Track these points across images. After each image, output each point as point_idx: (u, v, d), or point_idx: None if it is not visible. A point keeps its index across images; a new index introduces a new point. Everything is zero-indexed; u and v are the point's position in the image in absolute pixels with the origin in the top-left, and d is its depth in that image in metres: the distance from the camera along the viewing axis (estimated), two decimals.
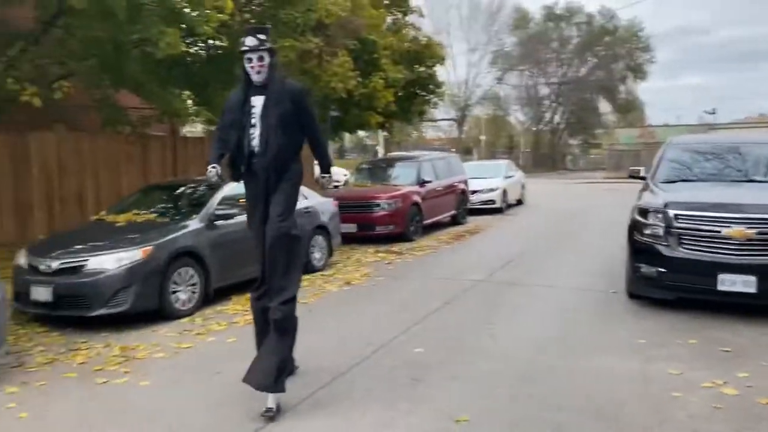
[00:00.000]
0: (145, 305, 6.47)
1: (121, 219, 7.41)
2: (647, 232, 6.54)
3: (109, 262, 6.36)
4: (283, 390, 4.14)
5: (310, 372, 4.89)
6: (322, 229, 9.41)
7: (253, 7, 11.08)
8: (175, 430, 3.99)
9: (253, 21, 11.09)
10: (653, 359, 5.01)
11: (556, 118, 54.78)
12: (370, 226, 11.77)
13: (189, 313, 6.85)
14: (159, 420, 4.14)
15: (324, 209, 9.67)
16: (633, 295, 6.92)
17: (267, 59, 4.27)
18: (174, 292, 6.76)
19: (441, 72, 19.85)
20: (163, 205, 7.91)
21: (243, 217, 7.79)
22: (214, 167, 4.37)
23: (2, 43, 9.10)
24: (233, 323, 6.52)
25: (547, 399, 4.27)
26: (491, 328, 6.09)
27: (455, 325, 6.22)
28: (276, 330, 4.23)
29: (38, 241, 7.89)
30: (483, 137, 53.93)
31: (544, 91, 53.61)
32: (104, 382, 4.90)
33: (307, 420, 4.07)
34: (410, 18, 19.79)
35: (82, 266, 6.33)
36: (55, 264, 6.38)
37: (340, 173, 21.19)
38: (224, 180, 4.62)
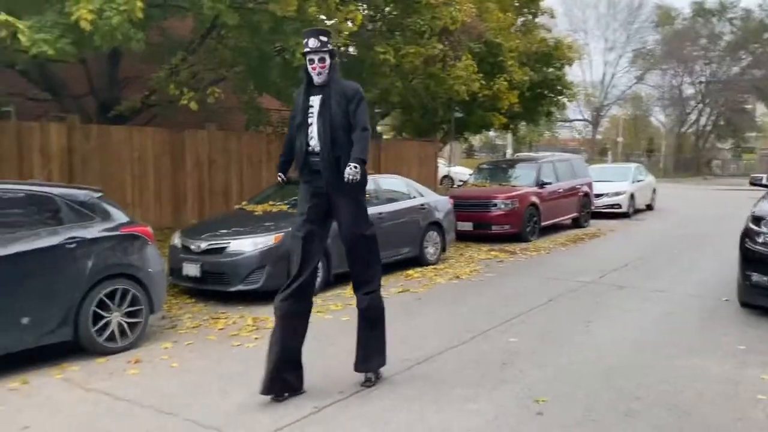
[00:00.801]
0: (275, 284, 7.31)
1: (259, 209, 8.42)
2: (760, 240, 6.45)
3: (246, 245, 7.33)
4: (385, 363, 4.73)
5: (410, 350, 5.46)
6: (436, 225, 9.95)
7: (382, 17, 11.83)
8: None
9: (383, 29, 11.87)
10: (748, 364, 5.06)
11: (702, 120, 51.30)
12: (486, 224, 12.13)
13: (313, 294, 7.66)
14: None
15: (439, 206, 10.20)
16: (744, 304, 6.81)
17: (328, 60, 4.37)
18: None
19: (576, 71, 19.65)
20: (295, 197, 8.83)
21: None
22: (279, 176, 4.73)
23: (166, 53, 10.54)
24: (348, 305, 7.24)
25: (629, 391, 4.53)
26: (589, 324, 6.33)
27: (553, 321, 6.52)
28: (364, 318, 4.62)
29: (190, 225, 9.13)
30: (620, 139, 51.77)
31: (689, 91, 50.42)
32: (238, 345, 5.79)
33: (402, 388, 4.64)
34: (541, 19, 19.79)
35: (225, 248, 7.35)
36: (203, 245, 7.45)
37: (465, 173, 21.60)
38: (289, 182, 4.81)
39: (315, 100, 4.40)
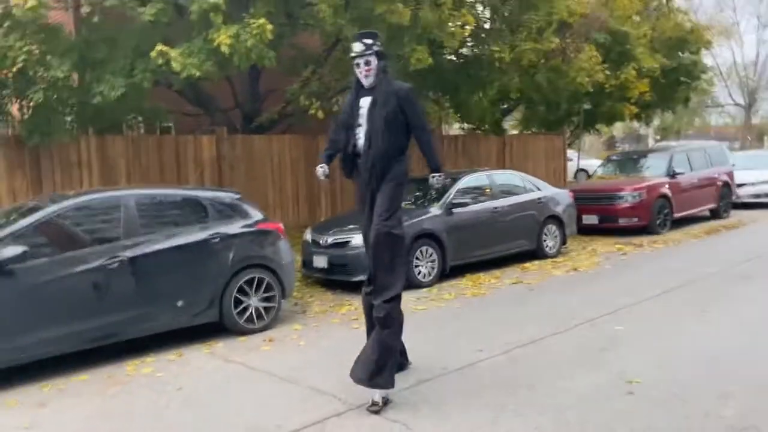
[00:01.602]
0: None
1: None
2: None
3: None
4: (386, 386, 4.23)
5: (513, 335, 5.78)
6: (554, 218, 10.05)
7: (499, 16, 12.05)
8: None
9: (503, 27, 12.09)
10: None
11: None
12: (612, 218, 11.94)
13: (428, 284, 8.18)
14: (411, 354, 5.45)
15: (558, 200, 10.28)
16: None
17: (374, 63, 4.36)
18: (416, 266, 8.15)
19: (726, 54, 18.39)
20: (411, 194, 9.38)
21: (477, 206, 9.05)
22: (322, 167, 4.63)
23: (300, 66, 11.52)
24: (461, 294, 7.68)
25: (726, 375, 4.56)
26: (704, 314, 6.26)
27: (666, 310, 6.50)
28: (380, 327, 4.32)
29: (320, 222, 9.99)
30: None
31: None
32: (356, 328, 6.42)
33: (503, 370, 5.00)
34: (678, 1, 18.84)
35: (348, 242, 8.06)
36: (329, 239, 8.21)
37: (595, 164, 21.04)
38: (328, 177, 4.72)
39: (365, 102, 4.41)
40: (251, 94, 12.64)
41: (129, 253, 5.67)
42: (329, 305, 7.48)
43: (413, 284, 8.06)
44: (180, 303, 5.96)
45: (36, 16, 7.59)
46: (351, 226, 8.42)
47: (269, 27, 7.72)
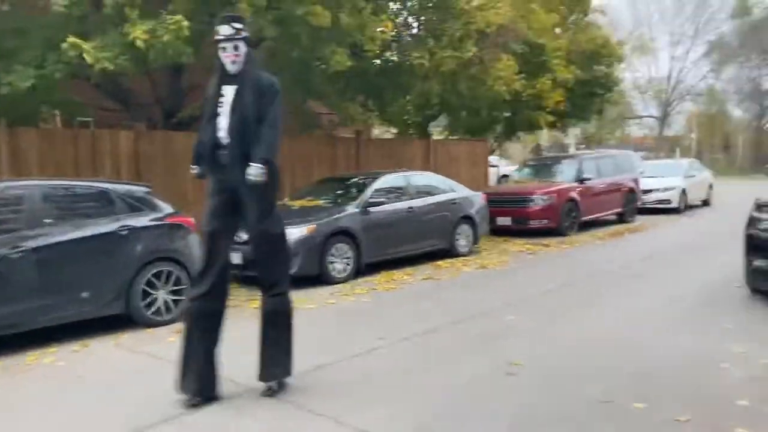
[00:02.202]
0: (308, 271, 8.14)
1: (297, 204, 9.25)
2: (761, 227, 6.68)
3: None
4: (283, 376, 4.39)
5: (416, 325, 6.08)
6: (467, 219, 10.49)
7: (420, 23, 12.45)
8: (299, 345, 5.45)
9: (422, 34, 12.48)
10: (728, 341, 5.37)
11: None
12: (524, 220, 12.52)
13: (343, 280, 8.41)
14: (299, 341, 5.64)
15: (471, 201, 10.73)
16: (755, 290, 7.02)
17: (242, 48, 4.15)
18: (331, 262, 8.36)
19: (642, 68, 19.39)
20: (330, 193, 9.60)
21: (393, 205, 9.35)
22: (193, 168, 4.35)
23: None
24: (373, 289, 7.94)
25: (600, 359, 4.99)
26: (593, 306, 6.75)
27: (561, 302, 6.97)
28: (268, 322, 4.33)
29: None
30: (693, 135, 50.09)
31: None
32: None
33: (398, 356, 5.28)
34: (592, 17, 19.85)
35: None
36: (244, 236, 8.29)
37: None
38: (204, 177, 4.35)
39: (228, 90, 4.16)
40: (172, 90, 12.51)
41: (32, 243, 5.64)
42: (241, 300, 7.58)
43: (328, 280, 8.27)
44: (85, 294, 5.95)
45: None
46: None
47: (186, 24, 7.76)
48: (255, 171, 4.02)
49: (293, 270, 8.00)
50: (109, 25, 7.98)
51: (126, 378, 4.93)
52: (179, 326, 6.30)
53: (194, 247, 6.87)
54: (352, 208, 8.86)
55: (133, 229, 6.34)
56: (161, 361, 5.26)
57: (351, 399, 4.29)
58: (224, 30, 4.15)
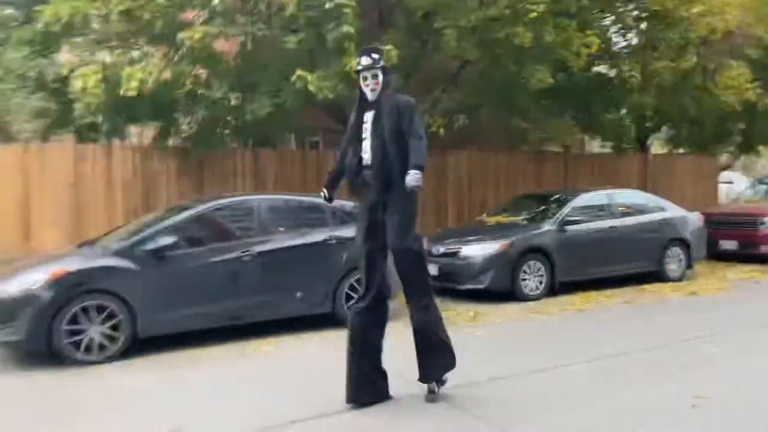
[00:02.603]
0: (499, 286, 8.35)
1: (493, 220, 9.49)
2: None
3: (476, 250, 8.47)
4: (440, 375, 4.70)
5: (600, 349, 5.98)
6: (680, 241, 9.79)
7: (633, 34, 11.93)
8: (478, 356, 5.70)
9: (635, 46, 11.96)
10: None
11: None
12: (752, 244, 11.28)
13: (536, 298, 8.45)
14: (479, 352, 5.91)
15: (685, 222, 10.00)
16: None
17: (381, 77, 4.47)
18: (524, 279, 8.46)
19: None
20: (527, 210, 9.67)
21: (593, 224, 9.13)
22: (323, 191, 4.80)
23: (429, 86, 12.25)
24: (565, 309, 7.87)
25: None
26: None
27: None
28: (417, 332, 4.64)
29: (436, 232, 10.57)
30: None
31: None
32: (453, 330, 6.87)
33: (580, 379, 5.27)
34: None
35: (458, 252, 8.58)
36: (441, 249, 8.79)
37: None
38: (332, 201, 4.87)
39: (368, 116, 4.51)
40: None
41: (258, 248, 6.67)
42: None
43: (520, 297, 8.39)
44: (299, 294, 6.86)
45: (203, 45, 8.97)
46: (462, 238, 8.95)
47: (395, 53, 8.49)
48: (411, 177, 4.17)
49: (484, 285, 8.29)
50: (330, 58, 9.03)
51: (328, 368, 5.62)
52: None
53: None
54: (547, 226, 8.87)
55: (340, 239, 7.14)
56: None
57: (518, 412, 4.45)
58: (364, 61, 4.49)
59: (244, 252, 6.58)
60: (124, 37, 10.29)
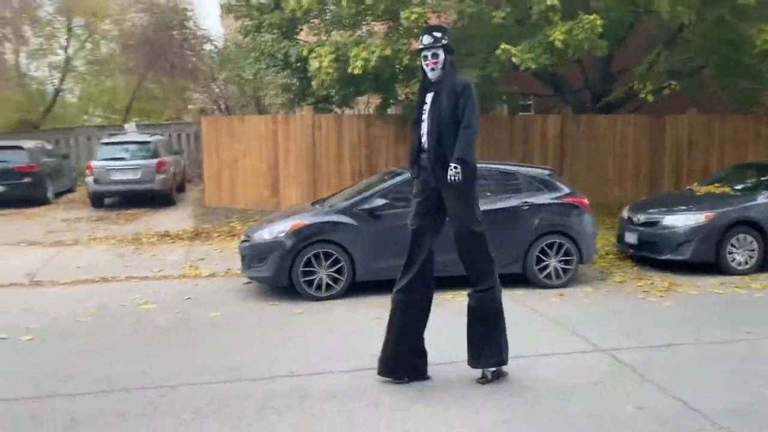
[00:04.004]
0: (701, 258, 8.18)
1: (703, 190, 9.15)
2: None
3: (678, 221, 8.36)
4: (489, 365, 4.56)
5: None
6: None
7: None
8: (660, 323, 5.91)
9: None
10: None
11: None
12: None
13: (743, 273, 8.11)
14: (662, 320, 6.13)
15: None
16: None
17: (441, 56, 4.38)
18: (731, 253, 8.17)
19: None
20: (743, 181, 9.14)
21: None
22: (411, 170, 4.70)
23: (646, 49, 11.86)
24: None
25: None
26: None
27: None
28: (473, 317, 4.55)
29: (639, 200, 10.43)
30: None
31: None
32: (641, 298, 7.13)
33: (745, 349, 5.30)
34: None
35: (659, 221, 8.54)
36: (642, 217, 8.79)
37: None
38: (417, 176, 4.65)
39: (429, 97, 4.46)
40: (602, 75, 13.36)
41: None
42: (629, 277, 8.19)
43: (725, 270, 8.14)
44: (492, 254, 7.54)
45: (419, 24, 9.87)
46: (665, 207, 8.87)
47: (599, 22, 8.58)
48: (452, 171, 4.23)
49: (685, 257, 8.19)
50: (534, 30, 9.37)
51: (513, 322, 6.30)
52: (564, 290, 7.47)
53: (586, 224, 7.84)
54: (763, 198, 8.37)
55: (533, 206, 7.66)
56: (537, 315, 6.50)
57: (681, 374, 4.72)
58: (426, 39, 4.45)
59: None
60: (353, 19, 11.60)
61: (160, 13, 16.50)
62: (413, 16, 9.51)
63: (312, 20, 12.42)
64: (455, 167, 4.22)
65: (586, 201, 7.97)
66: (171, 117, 23.54)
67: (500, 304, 4.59)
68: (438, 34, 4.42)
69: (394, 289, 4.63)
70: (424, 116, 4.47)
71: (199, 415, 4.11)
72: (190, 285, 8.03)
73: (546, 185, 7.92)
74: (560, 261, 7.68)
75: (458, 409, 4.17)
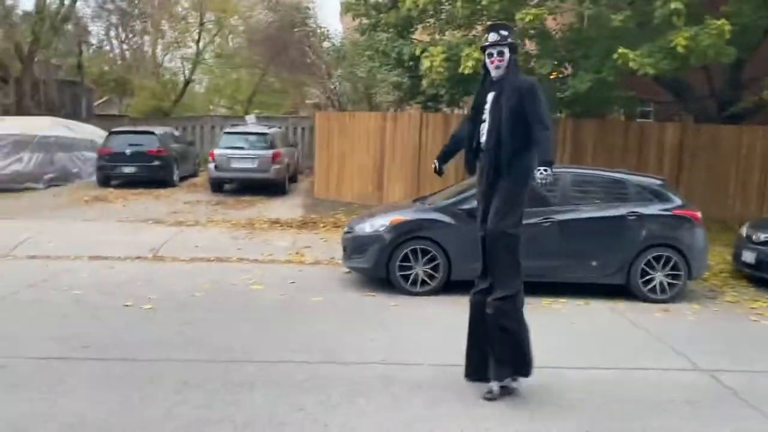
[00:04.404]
0: None
1: None
2: None
3: None
4: (498, 378, 4.35)
5: None
6: None
7: None
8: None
9: None
10: None
11: None
12: None
13: None
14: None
15: None
16: None
17: (507, 54, 4.28)
18: None
19: None
20: None
21: None
22: (435, 163, 4.73)
23: None
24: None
25: None
26: None
27: None
28: (490, 325, 4.33)
29: (760, 218, 9.75)
30: None
31: None
32: (754, 320, 6.73)
33: None
34: None
35: None
36: (763, 236, 8.25)
37: None
38: (441, 174, 4.75)
39: (490, 96, 4.36)
40: (730, 83, 12.59)
41: (558, 217, 7.40)
42: (743, 298, 7.73)
43: None
44: (594, 263, 7.40)
45: (532, 25, 9.78)
46: None
47: (727, 27, 8.13)
48: (539, 175, 4.10)
49: None
50: (656, 34, 9.02)
51: (616, 335, 6.17)
52: (669, 306, 7.19)
53: (698, 238, 7.49)
54: None
55: (640, 216, 7.41)
56: (637, 329, 6.31)
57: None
58: (492, 37, 4.35)
59: (546, 219, 7.37)
60: (467, 20, 11.65)
61: (283, 10, 17.31)
62: (528, 17, 9.44)
63: (427, 20, 12.60)
64: (545, 170, 4.09)
65: (699, 214, 7.60)
66: (289, 110, 24.63)
67: (521, 314, 4.40)
68: (505, 33, 4.34)
69: (472, 291, 4.59)
70: (485, 116, 4.37)
71: (294, 391, 4.39)
72: (295, 270, 8.46)
73: (656, 195, 7.63)
74: (667, 275, 7.38)
75: (542, 414, 4.19)
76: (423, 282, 7.34)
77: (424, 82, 11.19)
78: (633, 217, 7.43)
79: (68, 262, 8.45)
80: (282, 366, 4.89)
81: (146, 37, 26.53)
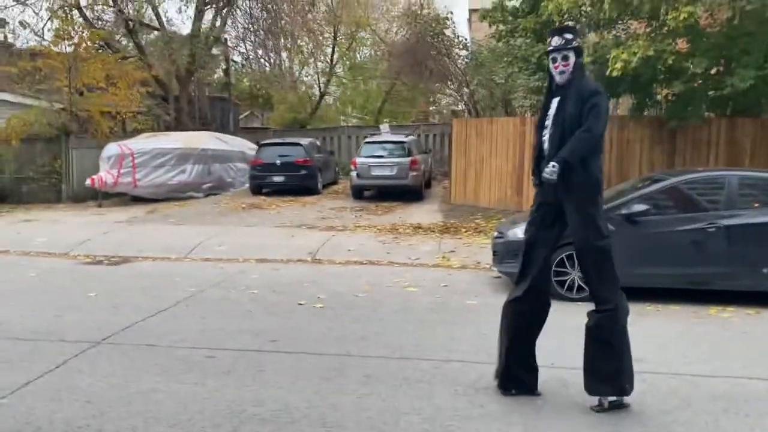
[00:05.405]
0: None
1: None
2: None
3: None
4: (601, 393, 4.17)
5: None
6: None
7: None
8: None
9: None
10: None
11: None
12: None
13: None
14: None
15: None
16: None
17: (572, 59, 4.13)
18: None
19: None
20: None
21: None
22: (533, 178, 4.48)
23: None
24: None
25: None
26: None
27: None
28: (590, 338, 4.19)
29: None
30: None
31: None
32: None
33: None
34: None
35: None
36: None
37: None
38: (541, 186, 4.42)
39: (554, 102, 4.26)
40: None
41: (725, 222, 7.09)
42: None
43: None
44: (766, 270, 7.02)
45: (685, 24, 9.39)
46: None
47: None
48: (548, 170, 4.06)
49: None
50: None
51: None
52: None
53: None
54: None
55: None
56: None
57: None
58: (555, 41, 4.21)
59: (710, 224, 7.09)
60: (613, 20, 11.40)
61: (423, 23, 17.78)
62: (682, 16, 9.12)
63: (567, 23, 12.44)
64: (553, 165, 4.03)
65: None
66: (418, 118, 25.12)
67: (624, 326, 4.20)
68: (569, 36, 4.21)
69: (507, 299, 4.52)
70: (548, 122, 4.28)
71: (470, 389, 4.61)
72: (444, 274, 8.72)
73: None
74: None
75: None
76: (579, 288, 7.31)
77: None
78: None
79: (239, 264, 9.27)
80: (454, 365, 5.13)
81: (284, 53, 28.12)
